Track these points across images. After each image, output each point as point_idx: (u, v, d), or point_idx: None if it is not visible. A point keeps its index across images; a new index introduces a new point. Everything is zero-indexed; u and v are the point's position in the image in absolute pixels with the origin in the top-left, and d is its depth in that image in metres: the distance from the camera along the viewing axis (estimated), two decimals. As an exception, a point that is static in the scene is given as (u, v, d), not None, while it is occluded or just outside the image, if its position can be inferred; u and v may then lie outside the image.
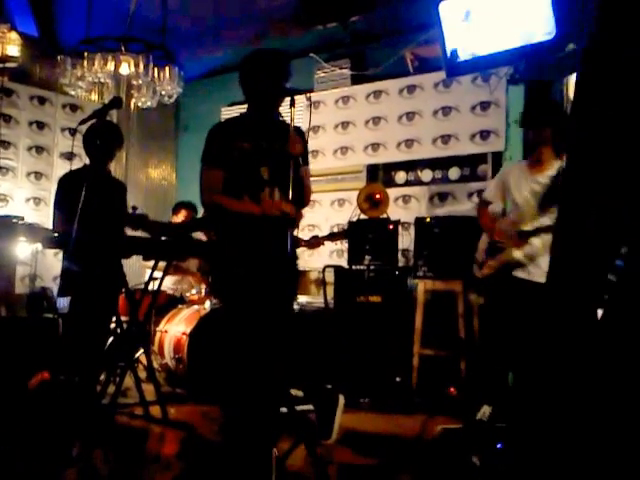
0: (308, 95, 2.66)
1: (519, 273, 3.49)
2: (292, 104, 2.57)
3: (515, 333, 3.46)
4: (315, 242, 4.52)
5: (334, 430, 2.99)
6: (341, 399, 3.03)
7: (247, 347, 2.60)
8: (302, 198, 2.79)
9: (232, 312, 2.70)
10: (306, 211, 2.91)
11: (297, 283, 3.16)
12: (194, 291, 5.13)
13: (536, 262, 3.45)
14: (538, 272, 3.41)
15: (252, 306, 2.61)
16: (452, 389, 4.29)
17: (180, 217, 5.43)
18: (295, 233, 2.66)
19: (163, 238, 4.01)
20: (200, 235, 4.70)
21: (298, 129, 2.73)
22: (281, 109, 2.81)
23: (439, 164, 5.27)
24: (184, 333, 4.47)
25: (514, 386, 3.78)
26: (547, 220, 3.42)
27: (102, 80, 4.79)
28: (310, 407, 3.16)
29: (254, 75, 2.72)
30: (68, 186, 3.66)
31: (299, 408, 2.95)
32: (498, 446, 2.82)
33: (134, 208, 3.96)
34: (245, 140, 2.67)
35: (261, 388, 2.62)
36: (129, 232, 3.94)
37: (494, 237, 3.60)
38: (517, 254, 3.49)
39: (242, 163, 2.66)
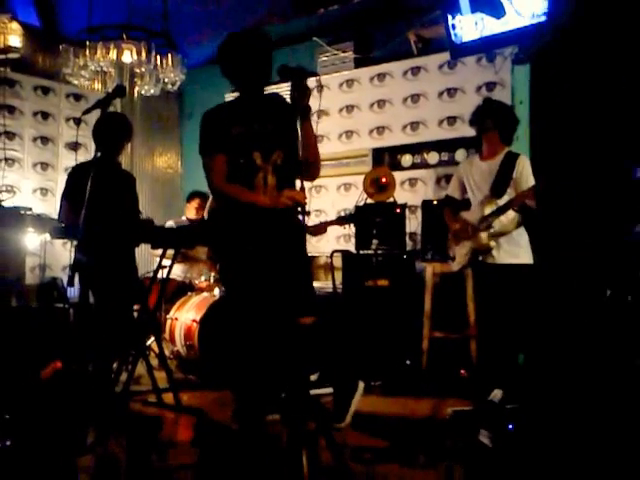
0: (318, 78, 2.59)
1: (486, 258, 3.64)
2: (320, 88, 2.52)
3: (503, 316, 3.58)
4: (319, 228, 4.49)
5: (349, 414, 3.00)
6: (360, 385, 3.04)
7: (257, 333, 2.61)
8: (311, 173, 2.73)
9: (240, 298, 2.70)
10: (312, 196, 2.87)
11: (309, 268, 3.14)
12: (203, 278, 5.15)
13: (499, 243, 3.59)
14: (502, 254, 3.59)
15: (260, 292, 2.61)
16: (463, 371, 4.30)
17: (193, 204, 5.47)
18: (306, 219, 2.62)
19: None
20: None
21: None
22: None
23: (445, 146, 5.24)
24: (194, 320, 4.50)
25: (525, 367, 3.80)
26: (503, 201, 3.60)
27: (105, 69, 4.78)
28: (323, 391, 3.18)
29: (237, 59, 2.65)
30: (77, 177, 3.66)
31: (313, 392, 2.97)
32: (509, 427, 2.83)
33: (139, 212, 3.97)
34: (236, 124, 2.63)
35: (272, 373, 2.64)
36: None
37: (453, 229, 3.81)
38: (482, 239, 3.61)
39: (234, 148, 2.62)
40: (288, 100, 2.62)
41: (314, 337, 2.70)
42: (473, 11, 4.15)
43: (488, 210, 3.61)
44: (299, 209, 2.51)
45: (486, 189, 3.69)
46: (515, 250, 3.59)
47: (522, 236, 3.65)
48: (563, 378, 3.25)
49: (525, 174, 3.61)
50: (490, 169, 3.70)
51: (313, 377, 3.34)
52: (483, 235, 3.60)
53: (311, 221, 4.81)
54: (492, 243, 3.60)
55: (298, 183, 2.56)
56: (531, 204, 3.51)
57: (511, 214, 3.58)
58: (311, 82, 2.57)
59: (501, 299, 3.60)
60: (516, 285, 3.58)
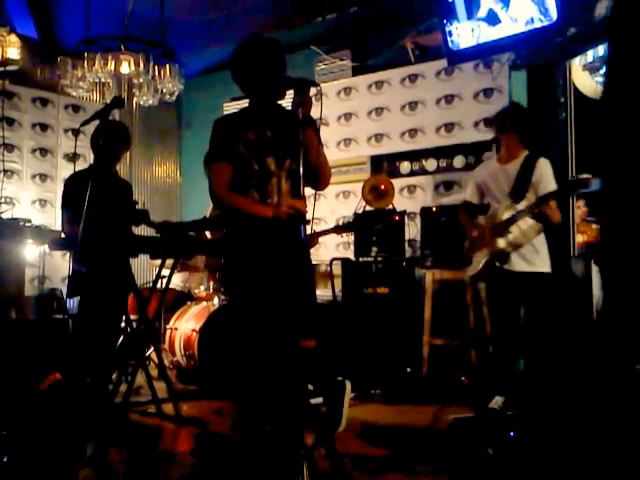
0: (318, 88, 2.58)
1: (502, 264, 3.53)
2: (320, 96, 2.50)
3: (512, 323, 3.52)
4: (311, 239, 4.39)
5: (343, 418, 2.97)
6: (347, 384, 3.00)
7: (258, 342, 2.60)
8: (317, 181, 2.71)
9: (242, 308, 2.68)
10: (311, 204, 2.79)
11: (312, 277, 3.11)
12: (202, 288, 5.14)
13: (518, 250, 3.49)
14: (519, 261, 3.49)
15: (262, 302, 2.60)
16: (464, 378, 4.29)
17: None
18: (307, 228, 2.61)
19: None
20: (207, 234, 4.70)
21: (309, 117, 2.60)
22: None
23: (443, 153, 5.25)
24: (194, 330, 4.48)
25: (525, 373, 3.79)
26: (521, 206, 3.49)
27: (103, 80, 4.79)
28: (320, 400, 3.16)
29: (254, 65, 2.60)
30: (74, 186, 3.66)
31: (312, 401, 2.96)
32: (511, 434, 2.82)
33: (134, 203, 3.95)
34: (249, 130, 2.61)
35: (273, 382, 2.62)
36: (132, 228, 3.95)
37: (471, 234, 3.69)
38: (500, 244, 3.51)
39: (247, 154, 2.59)
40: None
41: (314, 358, 2.69)
42: (469, 18, 4.17)
43: (506, 215, 3.50)
44: (299, 219, 2.50)
45: (505, 193, 3.56)
46: (532, 258, 3.48)
47: (541, 244, 3.52)
48: (564, 384, 3.23)
49: (545, 178, 3.47)
50: (509, 172, 3.58)
51: (311, 386, 3.33)
52: (500, 240, 3.49)
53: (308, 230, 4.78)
54: (509, 249, 3.48)
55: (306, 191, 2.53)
56: (550, 213, 3.40)
57: (529, 220, 3.46)
58: (310, 91, 2.57)
59: (512, 306, 3.53)
60: (528, 294, 3.49)
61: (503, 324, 3.62)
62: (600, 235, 3.43)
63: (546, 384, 3.40)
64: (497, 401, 3.46)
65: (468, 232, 3.74)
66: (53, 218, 5.75)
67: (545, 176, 3.49)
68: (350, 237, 4.97)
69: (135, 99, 5.03)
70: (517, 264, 3.49)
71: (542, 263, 3.53)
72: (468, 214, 3.80)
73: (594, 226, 4.74)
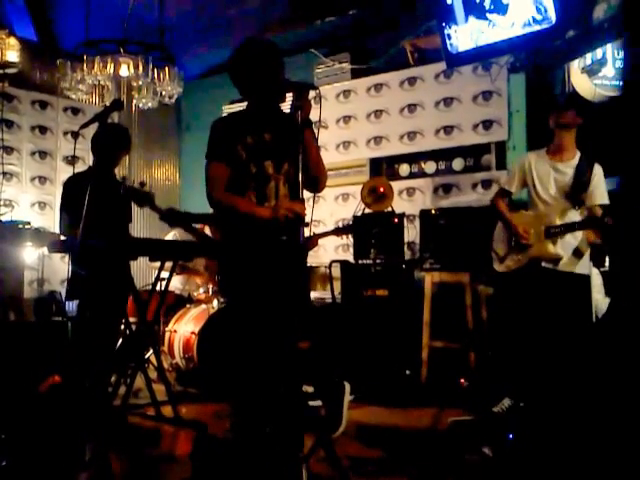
0: (318, 91, 2.59)
1: (549, 265, 3.42)
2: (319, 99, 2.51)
3: (541, 324, 3.40)
4: (311, 242, 4.39)
5: (343, 420, 2.96)
6: (347, 386, 3.01)
7: (256, 344, 2.60)
8: (315, 184, 2.71)
9: (240, 310, 2.69)
10: (310, 206, 2.81)
11: (308, 279, 3.11)
12: (202, 290, 5.13)
13: (571, 256, 3.40)
14: (567, 262, 3.39)
15: (260, 304, 2.60)
16: (462, 381, 4.28)
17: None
18: (306, 230, 2.61)
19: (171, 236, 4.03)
20: (206, 230, 4.70)
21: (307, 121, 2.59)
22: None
23: (442, 155, 5.26)
24: (193, 332, 4.48)
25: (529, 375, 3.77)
26: (576, 216, 3.40)
27: (102, 82, 4.81)
28: (319, 403, 3.15)
29: (252, 68, 2.61)
30: (73, 188, 3.67)
31: (310, 404, 2.95)
32: (510, 437, 2.81)
33: (142, 184, 3.92)
34: (247, 134, 2.61)
35: (271, 385, 2.62)
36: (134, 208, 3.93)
37: (514, 231, 3.48)
38: (551, 249, 3.39)
39: (245, 158, 2.60)
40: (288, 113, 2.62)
41: (310, 359, 2.69)
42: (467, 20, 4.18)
43: (560, 220, 3.38)
44: (298, 221, 2.50)
45: (559, 194, 3.42)
46: (578, 259, 3.39)
47: (587, 245, 3.44)
48: (565, 385, 3.23)
49: (601, 187, 3.37)
50: (562, 173, 3.43)
51: (310, 389, 3.33)
52: (550, 245, 3.38)
53: (307, 232, 4.79)
54: (561, 252, 3.38)
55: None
56: (609, 221, 3.24)
57: (578, 235, 3.38)
58: (309, 94, 2.58)
59: (540, 307, 3.40)
60: (566, 294, 3.39)
61: (523, 326, 3.48)
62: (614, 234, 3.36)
63: (549, 385, 3.38)
64: (503, 403, 3.45)
65: (512, 227, 3.50)
66: (52, 221, 5.75)
67: (601, 185, 3.38)
68: (349, 240, 4.97)
69: (134, 102, 5.04)
70: (564, 265, 3.39)
71: (585, 264, 3.45)
72: (507, 205, 3.61)
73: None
